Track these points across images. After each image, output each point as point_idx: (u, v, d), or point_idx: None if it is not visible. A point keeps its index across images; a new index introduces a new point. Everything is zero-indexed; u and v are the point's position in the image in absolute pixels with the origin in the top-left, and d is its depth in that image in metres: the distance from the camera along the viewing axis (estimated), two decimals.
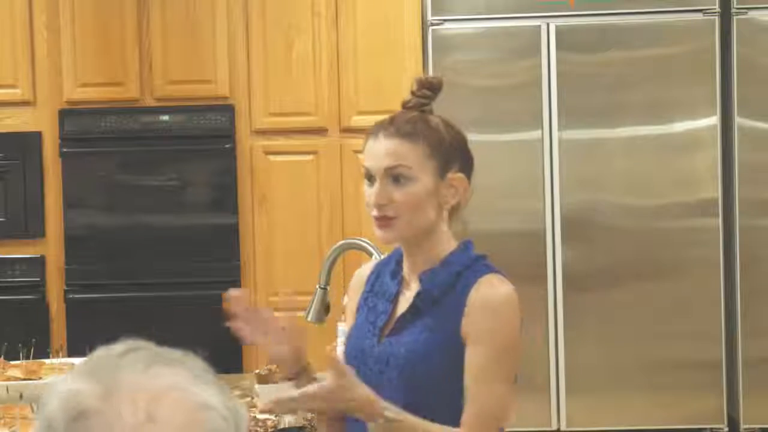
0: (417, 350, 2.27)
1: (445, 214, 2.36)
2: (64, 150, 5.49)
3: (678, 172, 5.27)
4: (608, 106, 5.27)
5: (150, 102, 5.53)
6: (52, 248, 5.55)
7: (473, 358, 2.25)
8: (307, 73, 5.49)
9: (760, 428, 5.25)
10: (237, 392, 3.33)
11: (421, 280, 2.33)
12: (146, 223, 5.51)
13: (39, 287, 5.53)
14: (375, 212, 2.32)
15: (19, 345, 3.41)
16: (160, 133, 5.48)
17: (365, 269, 2.51)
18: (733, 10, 5.22)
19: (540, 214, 5.26)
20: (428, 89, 2.39)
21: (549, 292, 5.24)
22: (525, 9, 5.27)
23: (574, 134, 5.27)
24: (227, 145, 5.49)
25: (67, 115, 5.49)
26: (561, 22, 5.26)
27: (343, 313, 2.69)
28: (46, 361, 3.34)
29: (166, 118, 5.49)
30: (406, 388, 2.27)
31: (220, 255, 5.48)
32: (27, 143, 5.52)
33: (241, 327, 2.34)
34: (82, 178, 5.51)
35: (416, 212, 2.31)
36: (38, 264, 5.53)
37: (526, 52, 5.28)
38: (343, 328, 3.19)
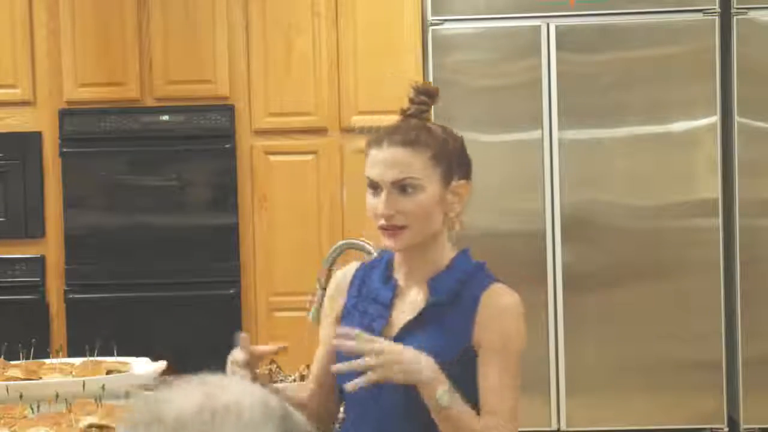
0: (431, 354, 2.25)
1: (447, 221, 2.36)
2: (64, 150, 5.49)
3: (678, 172, 5.27)
4: (608, 106, 5.27)
5: (150, 102, 5.53)
6: (52, 248, 5.55)
7: (491, 364, 2.28)
8: (307, 73, 5.49)
9: (760, 428, 5.25)
10: None
11: (430, 287, 2.34)
12: (146, 223, 5.51)
13: (39, 287, 5.53)
14: (383, 222, 2.31)
15: (19, 345, 3.41)
16: (160, 133, 5.48)
17: (347, 272, 2.48)
18: (733, 10, 5.22)
19: (540, 214, 5.26)
20: (426, 95, 2.40)
21: (549, 292, 5.24)
22: (525, 9, 5.27)
23: (574, 134, 5.27)
24: (227, 145, 5.49)
25: (67, 115, 5.49)
26: (561, 22, 5.26)
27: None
28: (46, 361, 3.34)
29: (166, 118, 5.49)
30: (411, 394, 2.26)
31: (220, 255, 5.48)
32: (27, 143, 5.52)
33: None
34: (82, 178, 5.51)
35: (425, 221, 2.31)
36: (38, 264, 5.53)
37: (526, 52, 5.28)
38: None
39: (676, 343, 5.25)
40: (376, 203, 2.32)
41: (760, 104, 5.25)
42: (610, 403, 5.28)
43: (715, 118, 5.24)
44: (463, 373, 2.27)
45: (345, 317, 2.42)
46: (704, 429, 5.25)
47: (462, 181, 2.36)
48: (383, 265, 2.42)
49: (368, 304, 2.39)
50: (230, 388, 1.22)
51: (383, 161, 2.31)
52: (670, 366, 5.24)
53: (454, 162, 2.35)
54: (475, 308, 2.30)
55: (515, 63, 5.29)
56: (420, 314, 2.32)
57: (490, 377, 2.28)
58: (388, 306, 2.36)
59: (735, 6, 5.21)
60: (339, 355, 2.38)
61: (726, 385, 5.24)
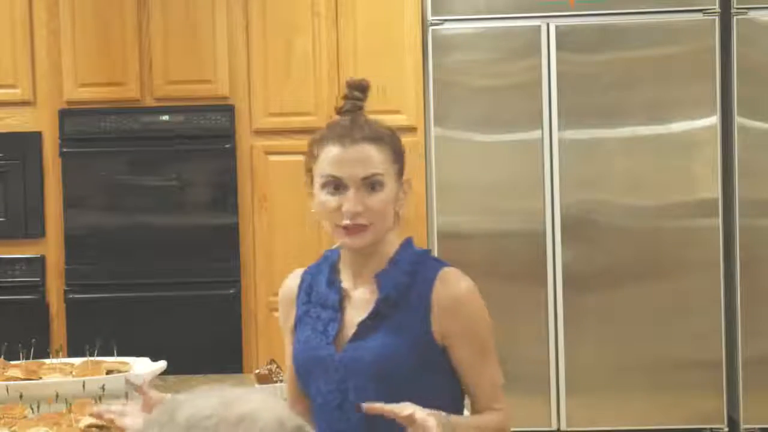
0: (385, 353, 2.27)
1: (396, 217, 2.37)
2: (64, 150, 5.49)
3: (678, 172, 5.27)
4: (608, 106, 5.27)
5: (150, 102, 5.53)
6: (52, 248, 5.55)
7: (467, 354, 2.31)
8: (307, 73, 5.49)
9: (760, 428, 5.25)
10: None
11: (378, 284, 2.32)
12: (146, 223, 5.51)
13: (39, 287, 5.53)
14: (347, 221, 2.28)
15: (19, 345, 3.41)
16: (160, 133, 5.48)
17: (292, 282, 2.46)
18: (733, 10, 5.22)
19: (540, 214, 5.26)
20: (358, 90, 2.37)
21: (549, 292, 5.24)
22: (525, 9, 5.27)
23: (574, 134, 5.27)
24: (227, 145, 5.49)
25: (67, 115, 5.49)
26: (561, 22, 5.26)
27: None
28: (46, 361, 3.34)
29: (166, 118, 5.49)
30: (378, 392, 2.26)
31: (220, 255, 5.48)
32: (27, 143, 5.52)
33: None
34: (82, 178, 5.51)
35: (385, 218, 2.32)
36: (38, 264, 5.53)
37: (526, 52, 5.28)
38: None
39: (676, 343, 5.25)
40: (339, 201, 2.28)
41: (760, 104, 5.26)
42: (610, 403, 5.28)
43: (715, 119, 5.24)
44: (421, 363, 2.28)
45: (298, 325, 2.40)
46: (704, 429, 5.25)
47: (409, 177, 2.39)
48: (328, 267, 2.40)
49: (320, 309, 2.37)
50: (250, 399, 1.21)
51: (351, 158, 2.27)
52: (670, 366, 5.24)
53: (403, 159, 2.37)
54: (429, 297, 2.29)
55: (515, 63, 5.30)
56: (372, 313, 2.31)
57: (476, 371, 2.32)
58: (338, 309, 2.34)
59: (735, 6, 5.21)
60: (297, 362, 2.38)
61: (726, 385, 5.24)
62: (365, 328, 2.31)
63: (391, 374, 2.27)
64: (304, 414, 2.40)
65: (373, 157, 2.29)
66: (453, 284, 2.30)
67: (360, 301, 2.34)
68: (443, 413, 2.19)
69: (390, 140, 2.33)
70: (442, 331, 2.28)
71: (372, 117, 2.39)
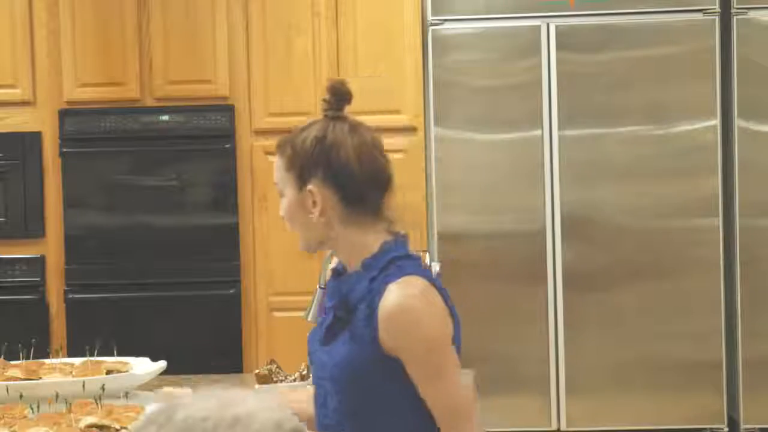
0: (341, 362, 2.24)
1: (338, 221, 2.29)
2: (64, 150, 5.49)
3: (678, 173, 5.27)
4: (608, 106, 5.27)
5: (150, 102, 5.53)
6: (52, 248, 5.55)
7: (412, 372, 2.21)
8: (307, 73, 5.49)
9: (760, 428, 5.25)
10: None
11: (338, 289, 2.31)
12: (146, 223, 5.51)
13: (39, 287, 5.53)
14: None
15: (19, 345, 3.41)
16: (160, 133, 5.48)
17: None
18: (733, 10, 5.22)
19: (540, 213, 5.27)
20: (329, 93, 2.35)
21: (549, 292, 5.24)
22: (525, 9, 5.27)
23: (573, 134, 5.27)
24: (227, 145, 5.49)
25: (67, 115, 5.49)
26: (561, 22, 5.26)
27: None
28: (46, 361, 3.34)
29: (166, 118, 5.49)
30: (341, 397, 2.26)
31: (220, 255, 5.48)
32: (27, 143, 5.52)
33: None
34: (82, 178, 5.51)
35: (293, 224, 2.34)
36: (38, 264, 5.53)
37: (526, 52, 5.28)
38: None
39: (677, 343, 5.25)
40: None
41: (760, 104, 5.26)
42: (610, 403, 5.28)
43: (715, 119, 5.24)
44: (376, 373, 2.23)
45: None
46: (704, 429, 5.25)
47: (311, 187, 2.28)
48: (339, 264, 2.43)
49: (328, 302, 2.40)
50: (248, 401, 1.21)
51: None
52: (670, 366, 5.24)
53: (307, 166, 2.28)
54: (375, 308, 2.20)
55: (515, 63, 5.30)
56: (333, 318, 2.29)
57: (425, 391, 2.22)
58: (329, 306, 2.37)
59: (735, 6, 5.21)
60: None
61: (726, 385, 5.24)
62: (330, 332, 2.29)
63: (348, 381, 2.24)
64: None
65: (276, 166, 2.35)
66: (393, 297, 2.19)
67: None
68: None
69: (288, 147, 2.31)
70: (386, 344, 2.20)
71: (305, 120, 2.37)
